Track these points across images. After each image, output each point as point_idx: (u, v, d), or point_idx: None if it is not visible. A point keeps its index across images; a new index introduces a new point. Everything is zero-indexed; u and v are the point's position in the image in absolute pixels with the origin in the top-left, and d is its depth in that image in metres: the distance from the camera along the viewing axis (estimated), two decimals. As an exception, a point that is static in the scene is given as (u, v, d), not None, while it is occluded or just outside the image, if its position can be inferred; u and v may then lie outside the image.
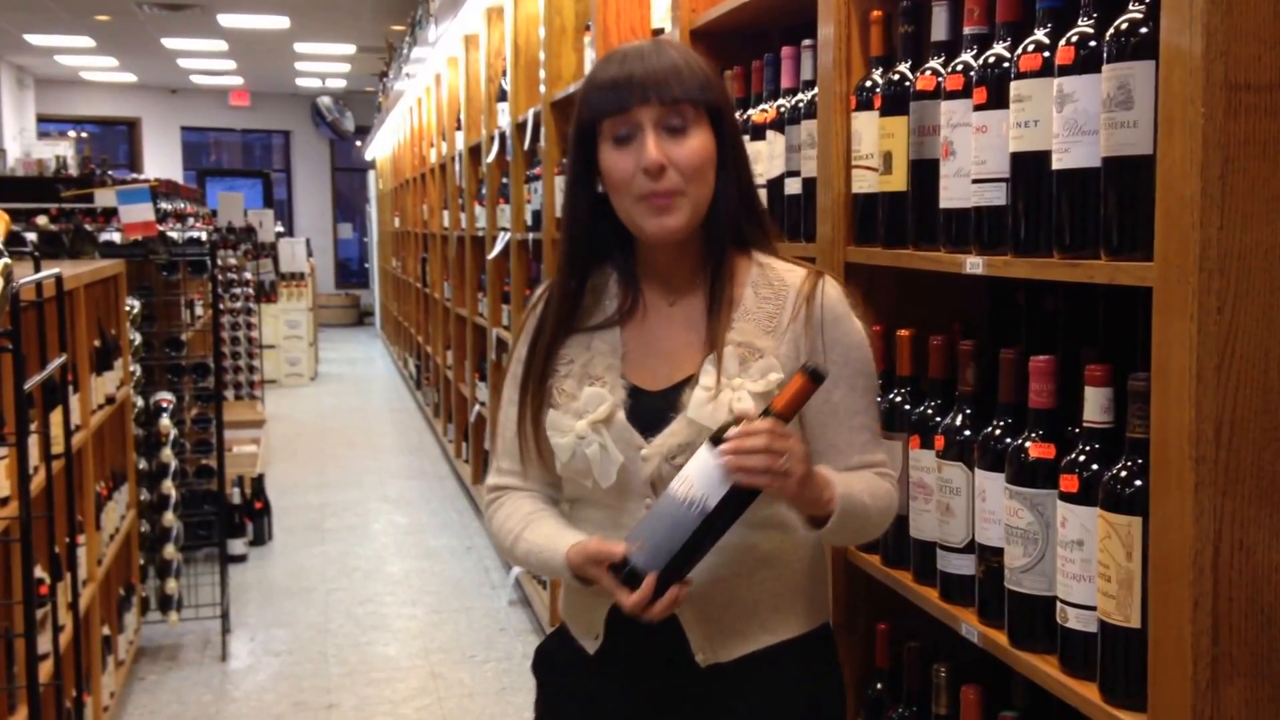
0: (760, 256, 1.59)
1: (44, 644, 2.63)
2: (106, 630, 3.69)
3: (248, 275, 9.44)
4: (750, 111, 2.30)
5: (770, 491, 1.39)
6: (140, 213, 4.27)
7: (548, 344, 1.58)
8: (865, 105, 1.85)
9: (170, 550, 4.43)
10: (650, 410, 1.52)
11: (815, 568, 1.63)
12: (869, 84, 1.84)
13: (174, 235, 5.18)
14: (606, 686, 1.60)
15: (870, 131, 1.83)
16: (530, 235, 4.64)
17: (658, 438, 1.50)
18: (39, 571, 2.65)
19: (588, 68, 3.64)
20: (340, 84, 16.69)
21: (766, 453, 1.35)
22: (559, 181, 4.08)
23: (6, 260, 2.17)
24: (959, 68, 1.59)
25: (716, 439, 1.38)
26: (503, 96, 5.08)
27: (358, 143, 17.42)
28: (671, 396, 1.52)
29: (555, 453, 1.55)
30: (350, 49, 13.49)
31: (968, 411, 1.64)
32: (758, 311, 1.54)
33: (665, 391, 1.53)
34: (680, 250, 1.56)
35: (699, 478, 1.38)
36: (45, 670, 2.62)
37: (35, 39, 12.71)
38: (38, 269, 2.71)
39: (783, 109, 2.15)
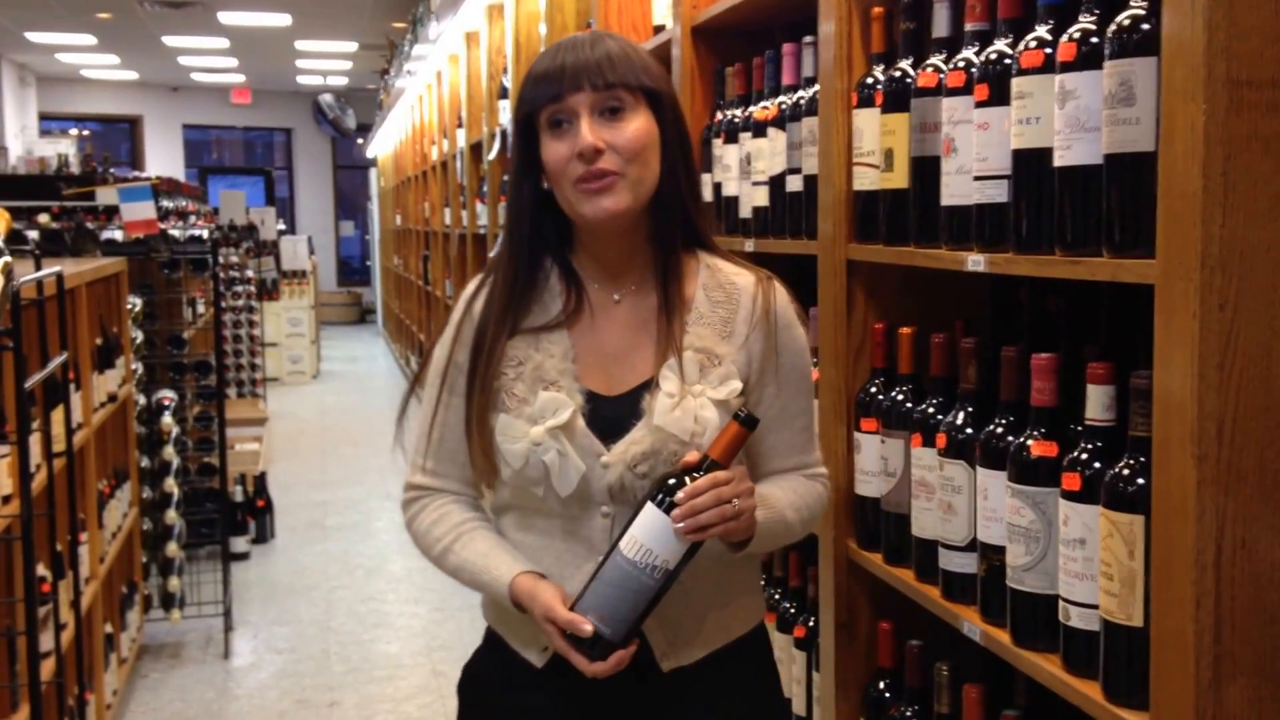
0: (705, 257, 1.58)
1: (46, 642, 2.63)
2: (109, 628, 3.69)
3: (249, 273, 9.45)
4: (751, 108, 2.30)
5: (723, 534, 1.41)
6: (142, 210, 4.27)
7: (492, 343, 1.52)
8: (866, 102, 1.84)
9: (172, 548, 4.43)
10: (608, 416, 1.49)
11: (754, 564, 1.65)
12: (870, 81, 1.84)
13: (176, 233, 5.18)
14: (556, 699, 1.54)
15: (871, 128, 1.83)
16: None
17: (619, 445, 1.47)
18: (41, 570, 2.66)
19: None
20: (342, 81, 16.69)
21: (717, 506, 1.38)
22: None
23: (7, 259, 2.17)
24: (960, 64, 1.58)
25: (659, 498, 1.39)
26: (504, 94, 5.08)
27: (359, 140, 17.42)
28: (630, 402, 1.50)
29: (505, 459, 1.49)
30: (351, 46, 13.49)
31: (969, 409, 1.64)
32: (711, 315, 1.53)
33: (623, 397, 1.51)
34: (627, 241, 1.53)
35: (654, 541, 1.39)
36: (47, 668, 2.62)
37: (37, 37, 12.71)
38: (38, 267, 2.70)
39: (784, 106, 2.15)
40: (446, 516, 1.58)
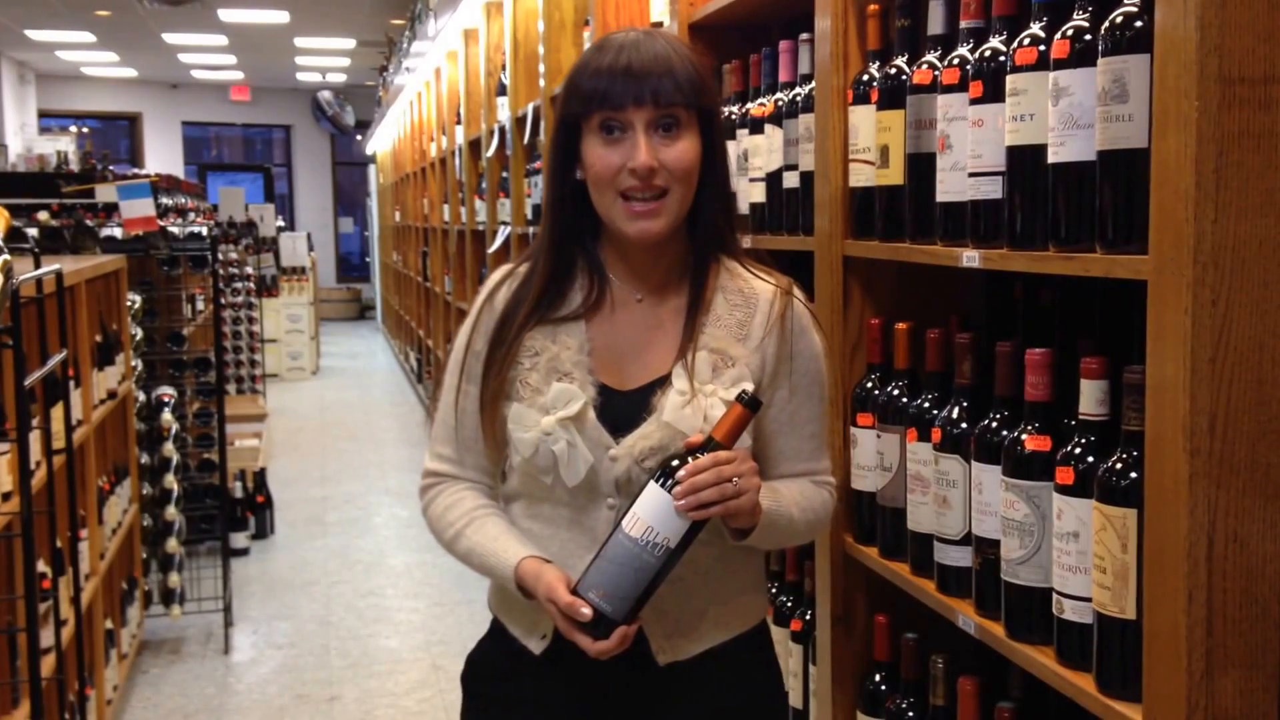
0: (726, 260, 1.59)
1: (47, 638, 2.63)
2: (109, 624, 3.70)
3: (249, 270, 9.45)
4: (749, 105, 2.30)
5: (725, 514, 1.41)
6: (141, 208, 4.27)
7: (518, 331, 1.54)
8: (862, 99, 1.85)
9: (173, 544, 4.44)
10: (620, 410, 1.51)
11: (756, 563, 1.65)
12: (866, 78, 1.85)
13: (175, 230, 5.17)
14: (555, 687, 1.56)
15: (867, 125, 1.84)
16: (530, 229, 4.64)
17: (628, 438, 1.49)
18: (41, 566, 2.66)
19: (587, 61, 3.64)
20: (340, 78, 16.68)
21: (717, 484, 1.38)
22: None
23: (6, 257, 2.17)
24: (955, 61, 1.59)
25: (661, 476, 1.40)
26: (502, 91, 5.09)
27: (358, 137, 17.41)
28: (642, 397, 1.51)
29: (516, 447, 1.52)
30: (350, 43, 13.48)
31: (964, 404, 1.65)
32: (729, 318, 1.55)
33: (635, 392, 1.52)
34: (657, 250, 1.55)
35: (655, 519, 1.40)
36: (48, 664, 2.63)
37: (36, 34, 12.70)
38: (38, 265, 2.71)
39: (781, 103, 2.15)
40: (460, 502, 1.60)
